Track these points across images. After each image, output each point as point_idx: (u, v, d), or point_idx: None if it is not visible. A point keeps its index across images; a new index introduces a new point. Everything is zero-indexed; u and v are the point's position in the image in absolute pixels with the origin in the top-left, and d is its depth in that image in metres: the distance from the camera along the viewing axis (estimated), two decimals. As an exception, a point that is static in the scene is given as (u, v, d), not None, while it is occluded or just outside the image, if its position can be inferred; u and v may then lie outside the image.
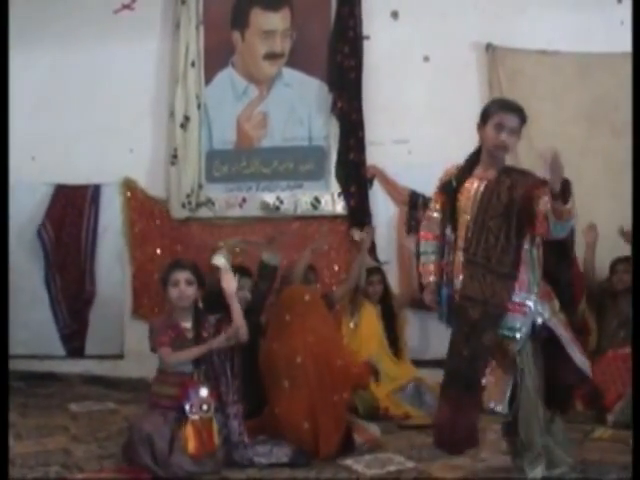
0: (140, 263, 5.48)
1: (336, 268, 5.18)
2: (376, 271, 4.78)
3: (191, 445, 3.17)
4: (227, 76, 5.50)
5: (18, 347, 5.05)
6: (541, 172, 2.61)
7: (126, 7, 5.62)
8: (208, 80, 5.51)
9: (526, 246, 2.86)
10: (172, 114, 5.44)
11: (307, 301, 3.75)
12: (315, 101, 5.33)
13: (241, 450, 3.31)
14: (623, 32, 4.35)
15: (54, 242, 5.60)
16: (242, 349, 3.50)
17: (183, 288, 3.41)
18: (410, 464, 3.35)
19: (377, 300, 4.75)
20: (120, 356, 5.42)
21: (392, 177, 5.19)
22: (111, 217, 5.57)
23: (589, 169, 4.83)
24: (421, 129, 5.05)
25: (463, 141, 3.16)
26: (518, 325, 2.79)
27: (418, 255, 3.25)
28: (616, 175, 4.70)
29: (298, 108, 5.36)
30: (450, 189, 3.01)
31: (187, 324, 3.43)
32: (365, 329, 4.64)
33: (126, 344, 5.38)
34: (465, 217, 2.93)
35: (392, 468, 3.30)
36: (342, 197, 5.22)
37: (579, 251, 4.58)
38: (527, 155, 4.89)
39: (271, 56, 5.44)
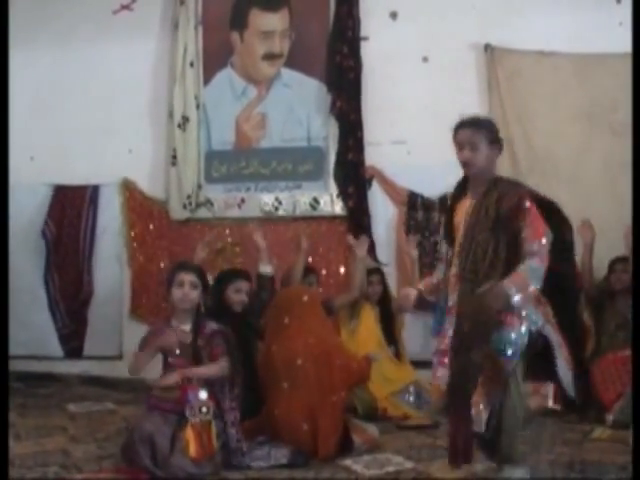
0: (139, 264, 5.50)
1: (335, 268, 5.18)
2: (376, 271, 4.78)
3: (192, 448, 3.17)
4: (226, 76, 5.50)
5: (17, 348, 5.02)
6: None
7: (125, 8, 5.62)
8: (207, 80, 5.51)
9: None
10: (171, 114, 5.44)
11: (305, 302, 3.73)
12: (314, 101, 5.33)
13: (239, 457, 3.32)
14: (622, 33, 4.36)
15: (56, 242, 5.61)
16: (240, 350, 3.51)
17: (187, 290, 3.41)
18: (409, 464, 3.35)
19: (376, 301, 4.74)
20: (119, 356, 5.42)
21: (391, 177, 5.19)
22: (110, 218, 5.58)
23: (587, 169, 4.84)
24: (420, 130, 5.05)
25: (462, 142, 3.16)
26: (513, 337, 2.73)
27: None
28: (614, 175, 4.70)
29: (297, 108, 5.36)
30: (447, 208, 3.07)
31: (186, 327, 3.43)
32: (364, 331, 4.63)
33: (125, 344, 5.37)
34: (459, 234, 2.94)
35: (391, 468, 3.30)
36: (341, 198, 5.21)
37: (577, 251, 4.56)
38: (526, 155, 4.92)
39: (270, 56, 5.44)
